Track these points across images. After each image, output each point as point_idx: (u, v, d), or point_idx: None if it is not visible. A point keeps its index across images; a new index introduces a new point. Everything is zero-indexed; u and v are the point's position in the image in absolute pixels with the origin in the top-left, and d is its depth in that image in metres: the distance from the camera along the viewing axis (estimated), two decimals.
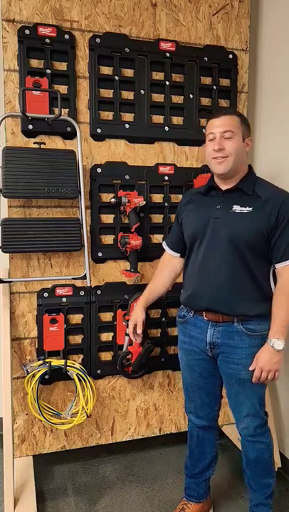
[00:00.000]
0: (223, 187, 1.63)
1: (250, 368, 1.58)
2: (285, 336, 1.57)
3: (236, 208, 1.57)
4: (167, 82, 2.11)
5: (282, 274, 1.57)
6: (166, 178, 2.15)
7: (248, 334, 1.59)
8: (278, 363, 1.56)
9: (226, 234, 1.56)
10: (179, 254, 1.81)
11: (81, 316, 2.10)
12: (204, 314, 1.65)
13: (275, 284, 1.62)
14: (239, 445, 2.34)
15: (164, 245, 1.86)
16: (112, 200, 2.03)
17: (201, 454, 1.86)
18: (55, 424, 2.00)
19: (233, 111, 1.66)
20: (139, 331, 1.83)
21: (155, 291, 1.86)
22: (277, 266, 1.58)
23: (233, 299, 1.58)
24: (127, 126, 2.07)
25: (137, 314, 1.83)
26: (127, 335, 2.08)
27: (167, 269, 1.84)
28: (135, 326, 1.84)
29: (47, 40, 1.91)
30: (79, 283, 2.06)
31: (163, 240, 1.94)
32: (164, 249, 1.88)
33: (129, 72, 2.07)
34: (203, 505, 1.90)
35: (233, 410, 1.72)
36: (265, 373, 1.56)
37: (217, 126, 1.58)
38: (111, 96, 2.04)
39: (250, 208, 1.55)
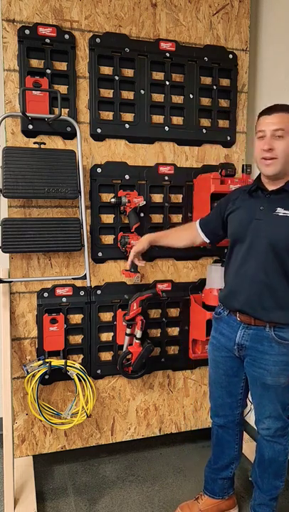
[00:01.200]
0: (270, 187, 1.58)
1: None
2: None
3: (280, 211, 1.52)
4: (167, 82, 2.11)
5: None
6: (166, 178, 2.15)
7: (278, 342, 1.57)
8: None
9: (265, 237, 1.53)
10: (208, 241, 1.83)
11: (81, 316, 2.10)
12: (238, 315, 1.64)
13: None
14: None
15: (197, 223, 1.84)
16: (112, 200, 2.03)
17: (220, 452, 1.86)
18: (55, 424, 2.00)
19: (287, 107, 1.51)
20: (141, 263, 1.89)
21: (168, 239, 1.89)
22: None
23: (267, 305, 1.56)
24: (127, 126, 2.07)
25: (143, 245, 1.85)
26: (127, 335, 2.09)
27: (189, 237, 1.85)
28: (135, 256, 1.86)
29: (47, 40, 1.91)
30: (79, 283, 2.06)
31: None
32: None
33: (129, 72, 2.07)
34: (218, 503, 1.89)
35: (256, 409, 1.72)
36: None
37: (268, 124, 1.49)
38: (111, 96, 2.04)
39: None
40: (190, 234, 1.86)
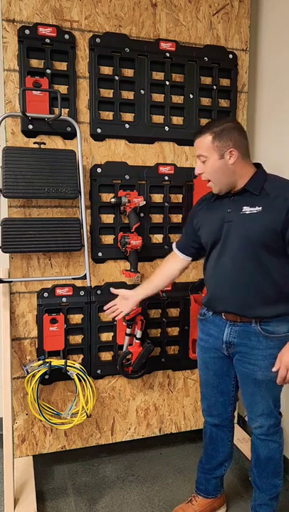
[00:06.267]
0: (232, 190, 1.62)
1: (274, 369, 1.55)
2: None
3: (246, 209, 1.56)
4: (167, 82, 2.11)
5: None
6: (166, 178, 2.15)
7: (265, 336, 1.58)
8: None
9: (238, 236, 1.56)
10: (190, 258, 1.81)
11: (81, 316, 2.10)
12: (223, 314, 1.66)
13: None
14: (237, 444, 2.35)
15: (174, 248, 1.83)
16: (112, 200, 2.03)
17: (213, 451, 1.87)
18: (55, 424, 2.00)
19: (206, 129, 1.57)
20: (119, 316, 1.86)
21: (155, 285, 1.85)
22: None
23: (249, 301, 1.57)
24: (127, 126, 2.07)
25: (130, 307, 1.83)
26: (127, 335, 2.09)
27: (173, 267, 1.82)
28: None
29: (47, 40, 1.91)
30: (79, 283, 2.06)
31: (165, 240, 1.89)
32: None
33: (129, 72, 2.07)
34: (211, 502, 1.90)
35: (247, 408, 1.72)
36: None
37: (195, 150, 1.61)
38: (111, 96, 2.04)
39: (260, 208, 1.54)
40: (173, 263, 1.83)
